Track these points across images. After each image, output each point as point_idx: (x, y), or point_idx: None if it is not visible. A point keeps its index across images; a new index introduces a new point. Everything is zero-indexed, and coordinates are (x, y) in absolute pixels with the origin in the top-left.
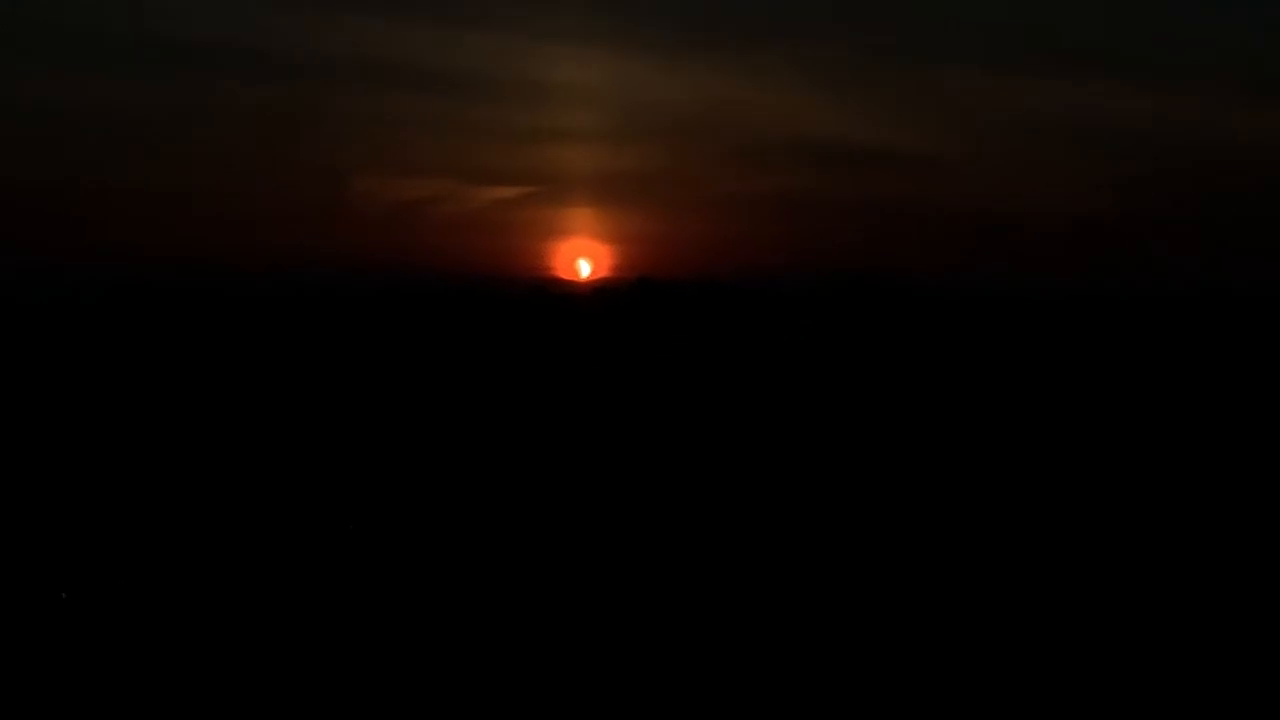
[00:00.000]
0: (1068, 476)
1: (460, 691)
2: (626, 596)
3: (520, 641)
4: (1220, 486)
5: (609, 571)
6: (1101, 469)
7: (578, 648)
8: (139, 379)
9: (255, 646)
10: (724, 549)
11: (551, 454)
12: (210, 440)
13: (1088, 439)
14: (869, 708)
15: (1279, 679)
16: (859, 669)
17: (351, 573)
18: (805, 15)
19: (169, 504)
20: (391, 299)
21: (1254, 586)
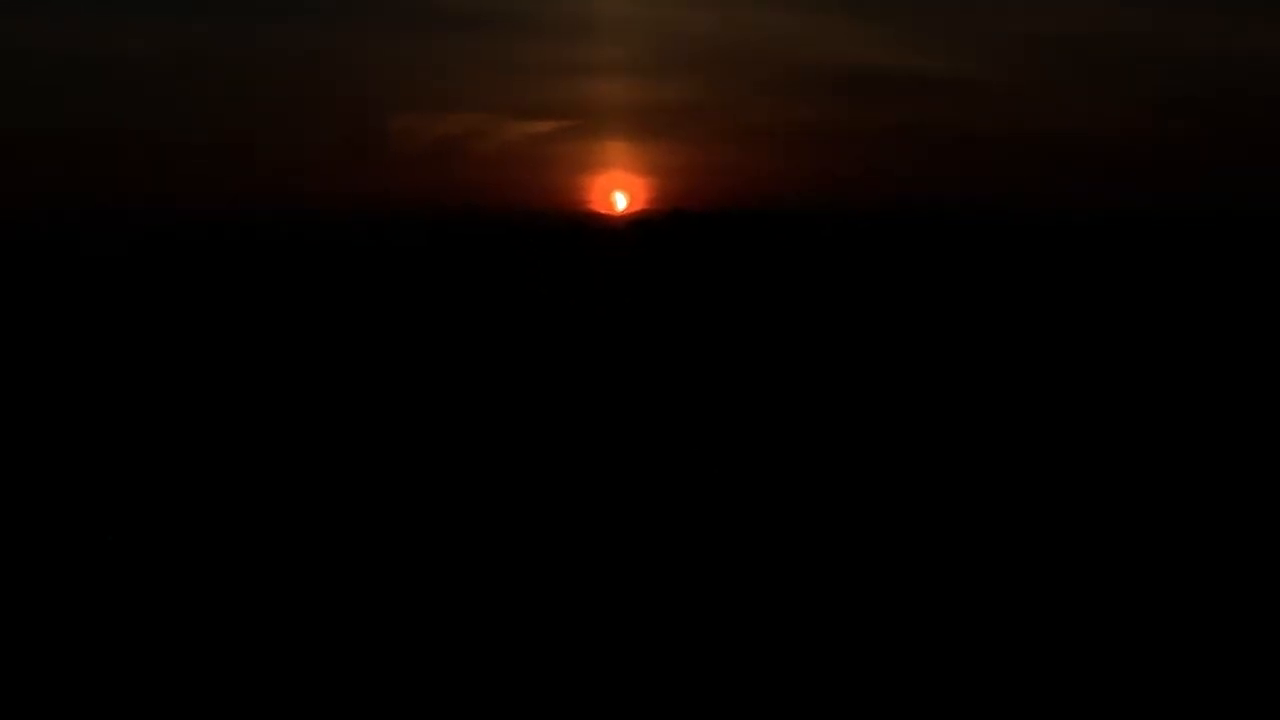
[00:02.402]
0: (1101, 422)
1: (457, 679)
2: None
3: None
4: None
5: (642, 526)
6: (1135, 412)
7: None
8: (184, 318)
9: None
10: (753, 505)
11: (586, 390)
12: (254, 376)
13: (1123, 377)
14: (869, 706)
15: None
16: (876, 649)
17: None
18: None
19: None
20: (430, 234)
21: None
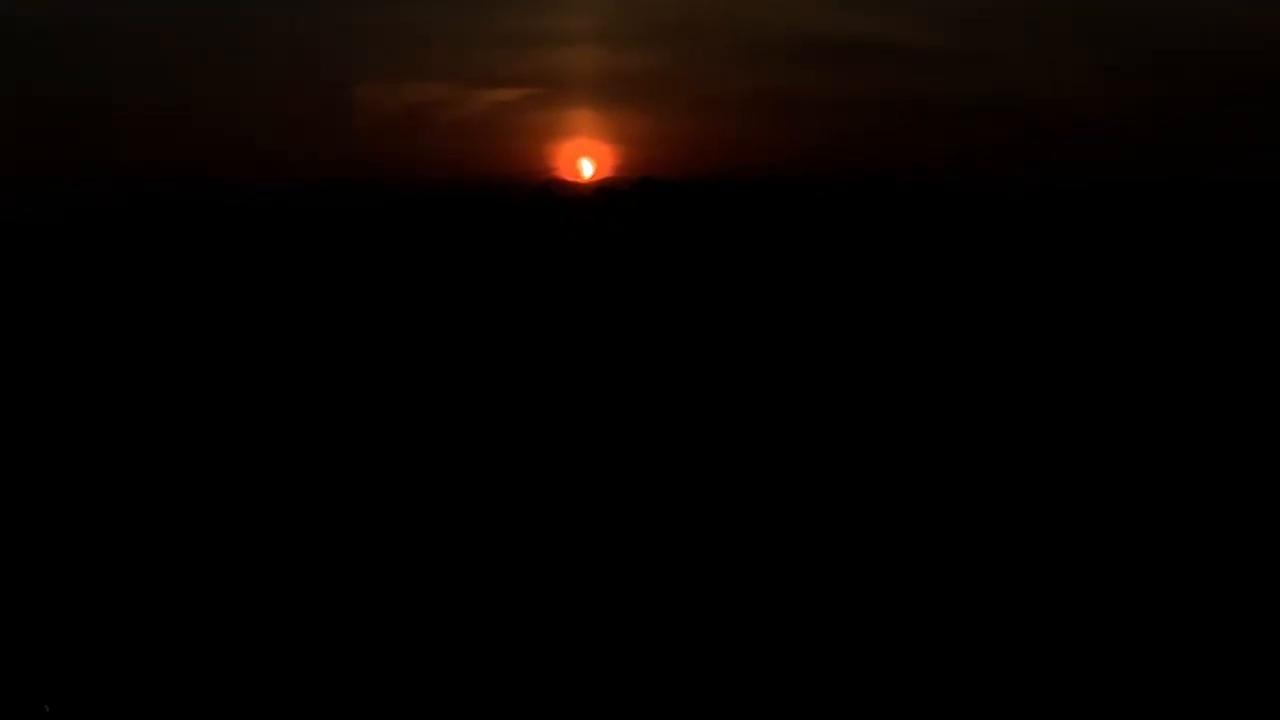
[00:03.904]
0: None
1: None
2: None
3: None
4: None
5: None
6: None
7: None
8: (146, 294)
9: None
10: (735, 488)
11: (559, 364)
12: (218, 357)
13: (1105, 355)
14: (870, 705)
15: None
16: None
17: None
18: None
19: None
20: (395, 205)
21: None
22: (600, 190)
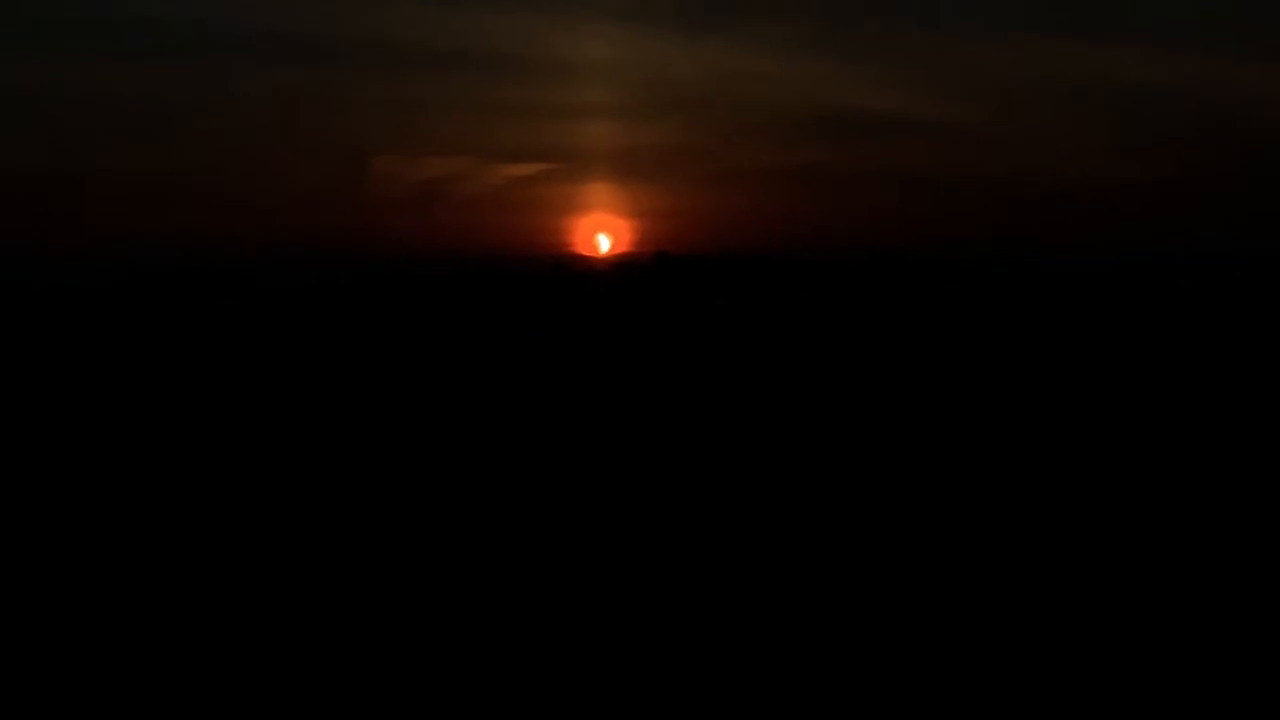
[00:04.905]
0: (1092, 457)
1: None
2: (641, 583)
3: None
4: (1244, 458)
5: (622, 559)
6: (1125, 445)
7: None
8: (158, 364)
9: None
10: (739, 531)
11: (571, 432)
12: (228, 424)
13: (1114, 416)
14: (870, 706)
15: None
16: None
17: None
18: None
19: (181, 498)
20: (410, 278)
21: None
22: (616, 265)
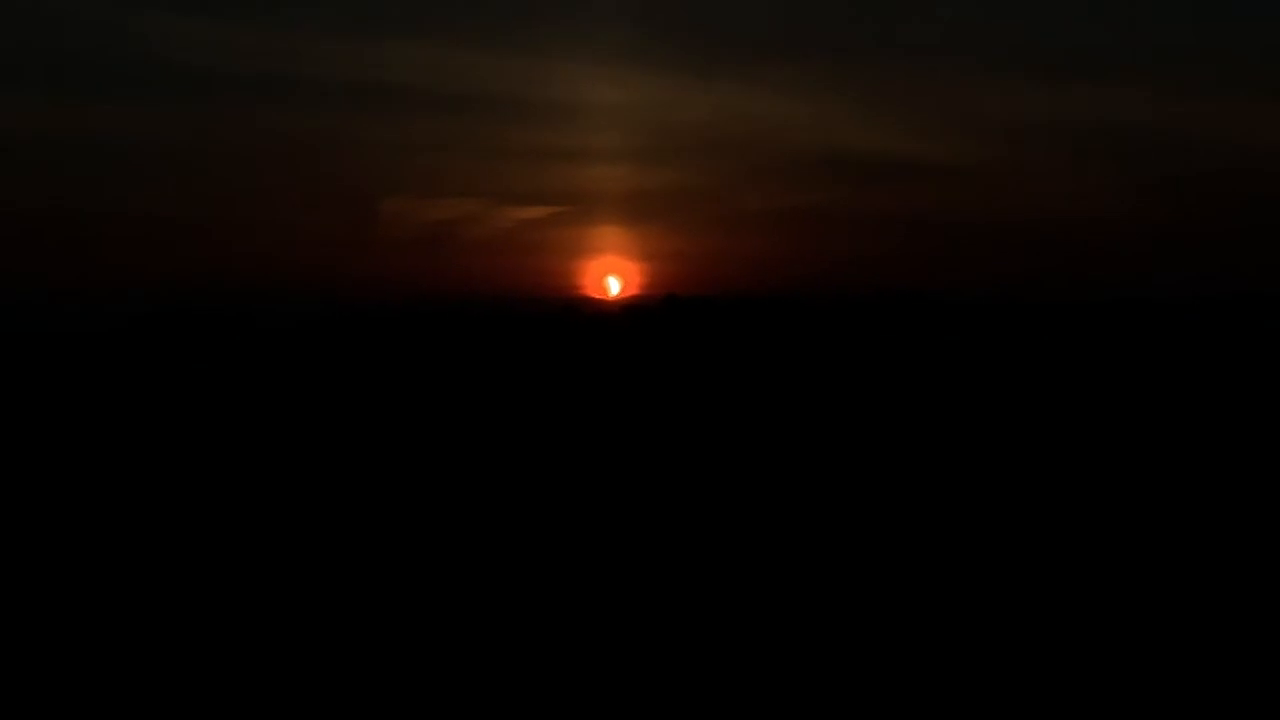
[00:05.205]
0: (1093, 491)
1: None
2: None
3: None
4: (1243, 490)
5: (628, 590)
6: (1125, 481)
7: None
8: (168, 405)
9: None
10: (745, 567)
11: (580, 474)
12: (233, 464)
13: (1116, 452)
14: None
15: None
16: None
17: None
18: (831, 29)
19: (184, 533)
20: (420, 320)
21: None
22: (626, 307)
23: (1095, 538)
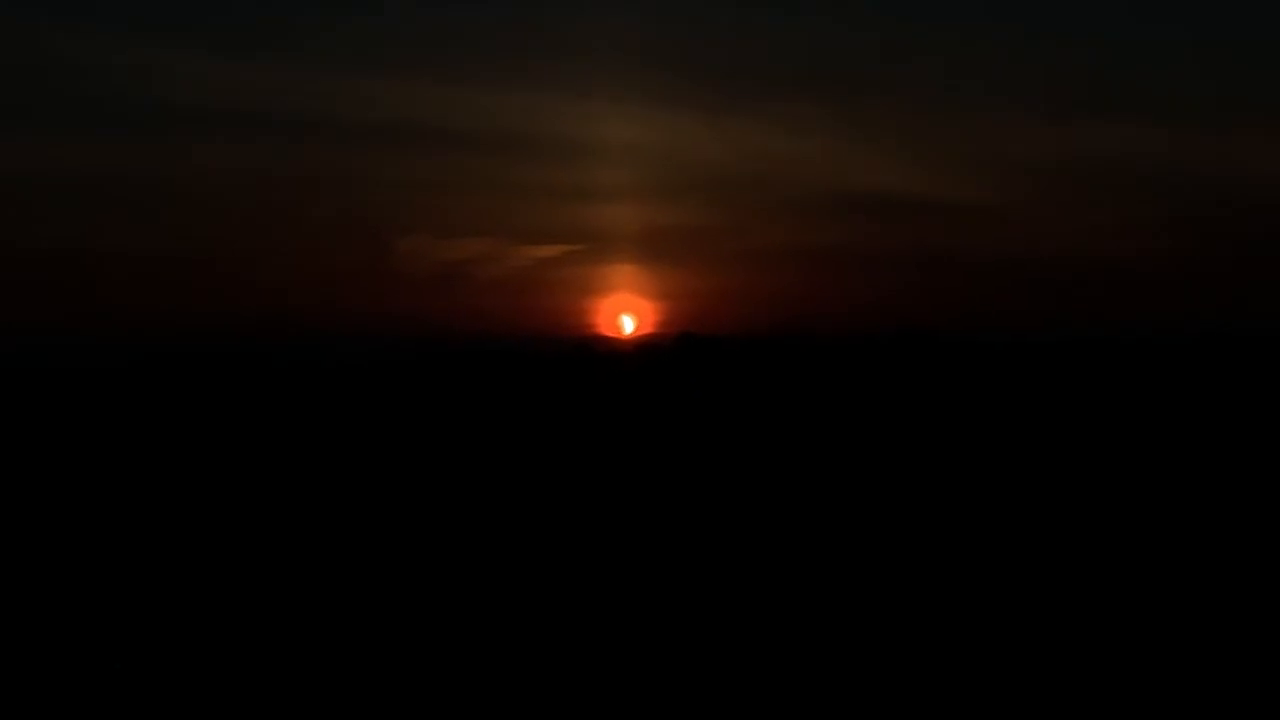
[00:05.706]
0: (1114, 531)
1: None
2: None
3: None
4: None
5: (636, 627)
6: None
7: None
8: (179, 443)
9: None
10: (760, 611)
11: (595, 512)
12: (246, 505)
13: (1131, 489)
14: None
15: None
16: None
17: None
18: (848, 67)
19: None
20: (434, 359)
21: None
22: (640, 346)
23: (1108, 571)
